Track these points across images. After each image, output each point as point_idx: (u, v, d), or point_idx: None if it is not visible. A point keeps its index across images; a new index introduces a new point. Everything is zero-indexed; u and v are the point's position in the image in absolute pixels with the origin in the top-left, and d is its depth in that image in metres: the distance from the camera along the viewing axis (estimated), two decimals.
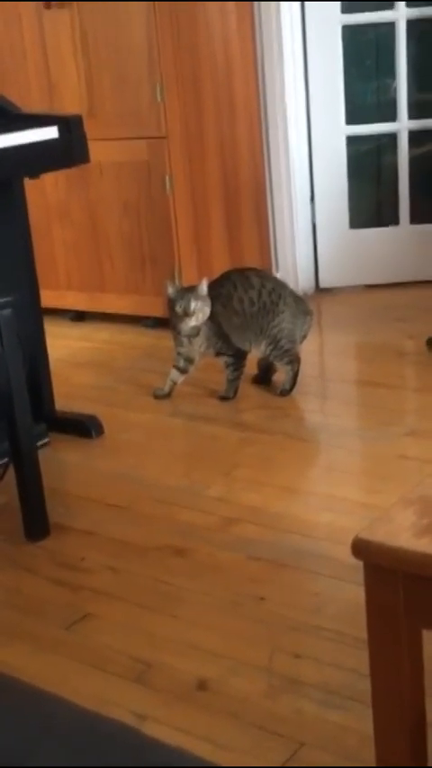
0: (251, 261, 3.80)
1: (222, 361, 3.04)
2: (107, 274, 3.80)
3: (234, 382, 3.04)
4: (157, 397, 3.10)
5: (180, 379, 3.09)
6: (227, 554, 2.15)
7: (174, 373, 3.09)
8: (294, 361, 3.03)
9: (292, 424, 2.86)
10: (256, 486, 2.47)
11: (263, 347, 3.01)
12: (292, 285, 3.52)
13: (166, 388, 3.10)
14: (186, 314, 2.90)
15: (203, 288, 2.92)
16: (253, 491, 2.44)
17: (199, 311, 2.90)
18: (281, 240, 3.98)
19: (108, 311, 3.85)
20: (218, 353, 3.03)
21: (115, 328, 3.82)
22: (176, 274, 3.58)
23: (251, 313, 2.98)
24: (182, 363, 3.07)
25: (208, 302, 2.92)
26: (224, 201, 3.77)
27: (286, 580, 2.04)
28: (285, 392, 3.03)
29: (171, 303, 2.93)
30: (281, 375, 3.07)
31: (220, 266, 3.55)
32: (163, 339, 3.39)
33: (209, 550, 2.18)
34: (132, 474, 2.60)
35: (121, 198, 3.67)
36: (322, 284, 4.07)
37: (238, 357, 3.02)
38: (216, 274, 3.14)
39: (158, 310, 3.62)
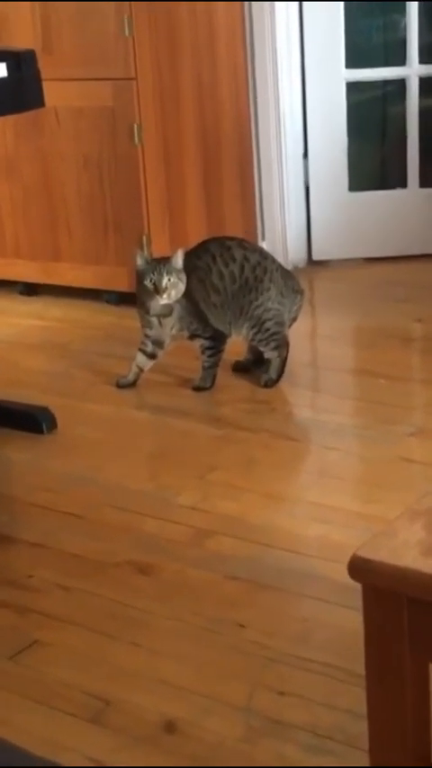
0: (233, 228, 3.80)
1: (198, 344, 3.04)
2: (63, 241, 3.78)
3: (211, 370, 3.04)
4: (120, 386, 3.10)
5: (147, 365, 3.09)
6: (200, 572, 2.15)
7: (140, 358, 3.08)
8: (282, 346, 3.03)
9: (278, 421, 2.86)
10: (235, 493, 2.47)
11: (245, 330, 3.01)
12: (280, 257, 3.52)
13: (131, 376, 3.09)
14: (157, 290, 2.89)
15: (178, 260, 2.91)
16: (231, 498, 2.44)
17: (172, 287, 2.90)
18: (268, 204, 3.98)
19: (64, 284, 3.83)
20: (193, 336, 3.03)
21: (72, 304, 3.81)
22: (145, 243, 3.57)
23: (232, 291, 2.98)
24: (149, 347, 3.06)
25: (183, 277, 2.91)
26: (202, 157, 3.76)
27: (269, 604, 2.04)
28: (271, 382, 3.03)
29: (140, 276, 2.93)
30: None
31: (197, 234, 3.54)
32: (128, 318, 3.38)
33: (178, 568, 2.18)
34: (90, 476, 2.60)
35: (81, 150, 3.65)
36: (315, 256, 4.08)
37: (217, 340, 3.02)
38: (192, 243, 3.13)
39: (123, 284, 3.60)
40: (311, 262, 4.07)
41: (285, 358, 3.05)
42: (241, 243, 3.08)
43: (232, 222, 3.87)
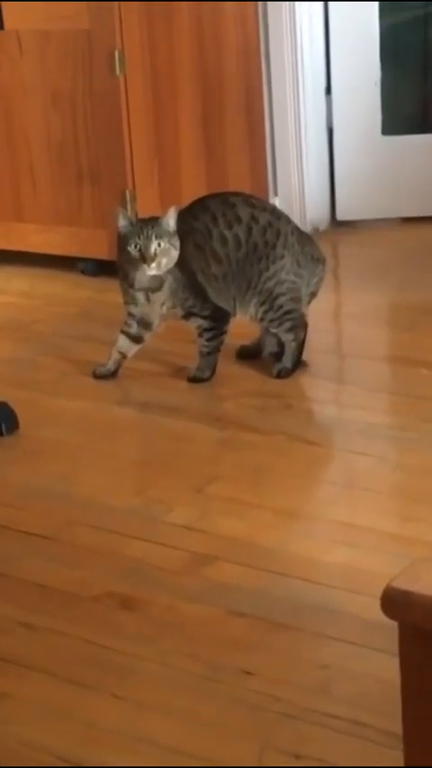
0: (238, 182, 3.80)
1: (195, 325, 3.04)
2: (27, 197, 3.78)
3: (210, 357, 3.05)
4: (97, 376, 3.10)
5: (131, 350, 3.09)
6: (196, 607, 2.16)
7: (122, 342, 3.08)
8: (298, 327, 3.03)
9: (293, 420, 2.86)
10: (240, 510, 2.47)
11: (252, 308, 3.02)
12: (297, 217, 3.51)
13: (112, 364, 3.10)
14: (144, 258, 2.89)
15: (170, 221, 2.91)
16: (236, 516, 2.45)
17: (162, 255, 2.90)
18: (282, 152, 3.98)
19: (28, 250, 3.83)
20: (188, 314, 3.03)
21: (39, 275, 3.81)
22: (129, 199, 3.57)
23: (237, 259, 2.98)
24: (134, 329, 3.06)
25: (176, 242, 2.91)
26: (200, 92, 3.76)
27: (282, 646, 2.04)
28: (285, 372, 3.04)
29: (123, 241, 2.93)
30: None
31: (193, 189, 3.54)
32: (107, 292, 3.39)
33: (170, 602, 2.18)
34: (60, 489, 2.60)
35: (49, 84, 3.65)
36: (340, 216, 4.08)
37: (218, 320, 3.03)
38: (186, 200, 3.13)
39: (102, 250, 3.60)
40: (336, 223, 4.08)
41: (303, 342, 3.05)
42: (248, 199, 3.08)
43: (237, 174, 3.87)
